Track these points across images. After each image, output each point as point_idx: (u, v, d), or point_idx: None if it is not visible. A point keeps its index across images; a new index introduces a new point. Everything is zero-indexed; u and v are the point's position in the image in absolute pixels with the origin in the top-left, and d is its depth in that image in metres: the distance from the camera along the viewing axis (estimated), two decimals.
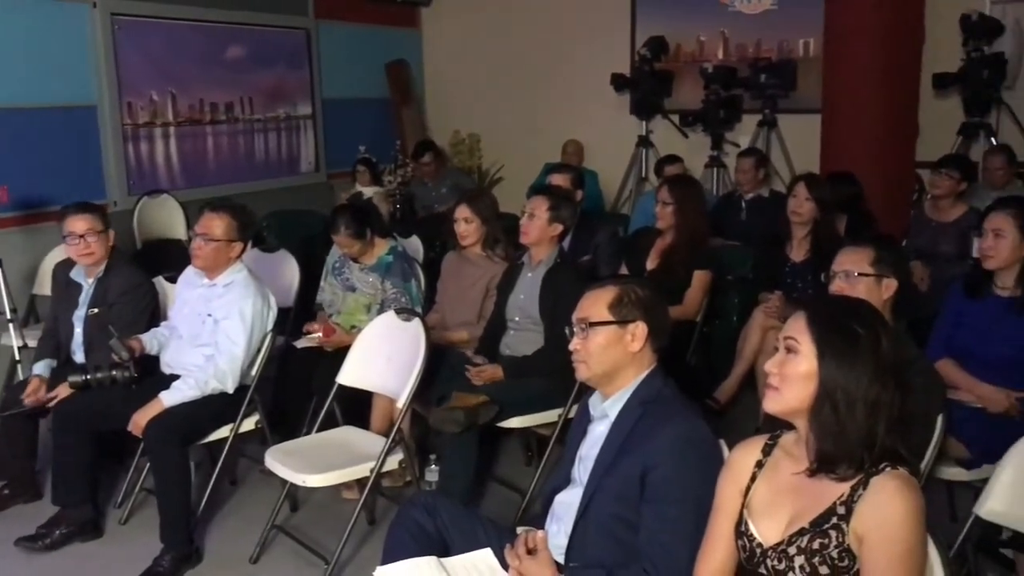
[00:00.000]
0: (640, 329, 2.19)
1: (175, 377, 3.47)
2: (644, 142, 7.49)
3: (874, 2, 5.95)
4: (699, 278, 4.21)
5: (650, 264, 4.32)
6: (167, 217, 5.79)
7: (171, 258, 4.92)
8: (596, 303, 2.22)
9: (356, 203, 5.62)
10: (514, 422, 3.56)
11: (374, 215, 4.66)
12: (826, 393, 1.68)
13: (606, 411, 2.23)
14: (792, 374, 1.72)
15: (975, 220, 4.81)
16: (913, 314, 3.47)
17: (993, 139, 6.22)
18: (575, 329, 2.24)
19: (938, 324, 3.30)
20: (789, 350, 1.73)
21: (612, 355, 2.19)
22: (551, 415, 3.56)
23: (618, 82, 7.43)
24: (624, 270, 4.40)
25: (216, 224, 3.49)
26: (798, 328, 1.73)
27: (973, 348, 3.17)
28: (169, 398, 3.35)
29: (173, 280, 3.94)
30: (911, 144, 6.27)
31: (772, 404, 1.75)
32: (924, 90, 6.39)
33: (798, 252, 4.34)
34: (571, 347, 2.24)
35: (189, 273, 3.69)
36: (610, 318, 2.19)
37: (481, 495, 3.83)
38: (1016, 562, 2.73)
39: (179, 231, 5.69)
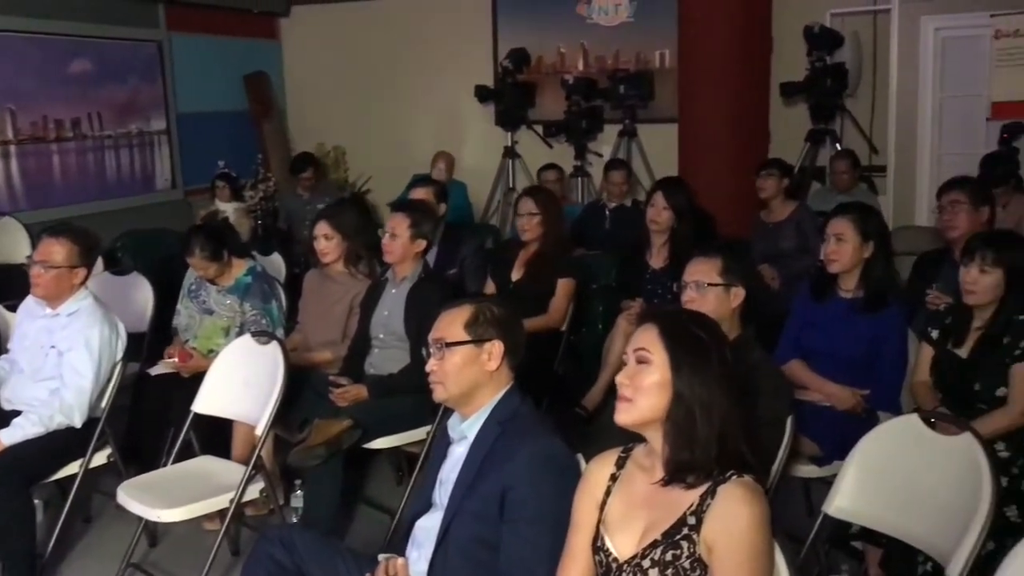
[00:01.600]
0: (497, 347, 2.18)
1: (16, 413, 3.26)
2: (510, 152, 7.55)
3: (724, 14, 6.20)
4: (563, 286, 4.25)
5: (515, 275, 4.33)
6: (9, 241, 5.46)
7: (14, 285, 4.64)
8: (452, 323, 2.20)
9: (211, 223, 5.43)
10: (381, 443, 3.50)
11: (230, 235, 4.51)
12: (681, 402, 1.72)
13: (464, 432, 2.21)
14: (645, 385, 1.74)
15: (807, 215, 5.10)
16: (769, 315, 3.61)
17: (838, 144, 6.53)
18: (431, 350, 2.21)
19: (787, 327, 3.43)
20: (641, 361, 1.76)
21: (469, 375, 2.17)
22: (419, 433, 3.52)
23: (482, 93, 7.47)
24: (491, 282, 4.40)
25: (56, 250, 3.30)
26: (649, 339, 1.76)
27: (820, 349, 3.30)
28: (9, 436, 3.14)
29: (13, 309, 3.71)
30: (764, 151, 6.54)
31: (625, 415, 1.77)
32: (773, 99, 6.69)
33: (657, 259, 4.43)
34: (427, 368, 2.22)
35: (29, 303, 3.48)
36: (466, 337, 2.18)
37: (350, 519, 3.75)
38: (865, 552, 2.85)
39: (22, 255, 5.38)
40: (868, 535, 2.70)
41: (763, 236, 5.22)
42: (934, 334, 3.05)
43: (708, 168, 6.18)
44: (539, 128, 7.47)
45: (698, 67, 6.39)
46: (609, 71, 7.36)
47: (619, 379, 1.78)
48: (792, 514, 3.27)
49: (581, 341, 4.62)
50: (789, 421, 2.64)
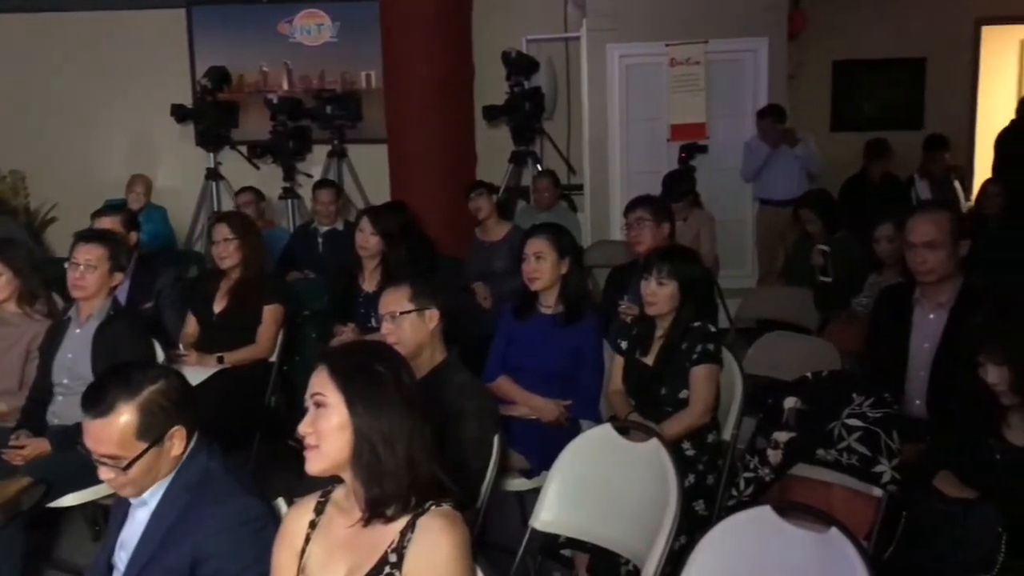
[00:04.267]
0: (178, 432, 1.97)
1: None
2: (213, 175, 7.21)
3: (424, 38, 6.30)
4: (270, 313, 4.10)
5: (218, 307, 4.11)
6: None
7: None
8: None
9: None
10: (70, 499, 3.17)
11: None
12: (363, 439, 1.68)
13: (145, 500, 2.01)
14: (326, 429, 1.69)
15: (519, 236, 5.30)
16: (484, 332, 3.68)
17: (539, 165, 6.84)
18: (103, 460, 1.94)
19: (494, 345, 3.51)
20: (319, 405, 1.70)
21: (157, 472, 1.97)
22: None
23: (179, 113, 7.08)
24: (191, 316, 4.15)
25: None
26: (321, 382, 1.71)
27: (526, 364, 3.41)
28: None
29: None
30: (471, 171, 6.72)
31: (314, 464, 1.71)
32: (478, 121, 6.90)
33: (370, 283, 4.39)
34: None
35: None
36: (143, 446, 1.91)
37: None
38: (574, 559, 2.96)
39: None
40: (575, 542, 2.80)
41: (479, 254, 5.35)
42: (623, 344, 3.25)
43: (419, 189, 6.25)
44: (243, 149, 7.20)
45: (403, 89, 6.45)
46: (315, 91, 7.25)
47: (302, 429, 1.72)
48: (508, 527, 3.34)
49: (294, 370, 4.47)
50: (496, 439, 2.68)
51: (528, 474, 3.20)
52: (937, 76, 7.74)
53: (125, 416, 1.90)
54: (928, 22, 7.57)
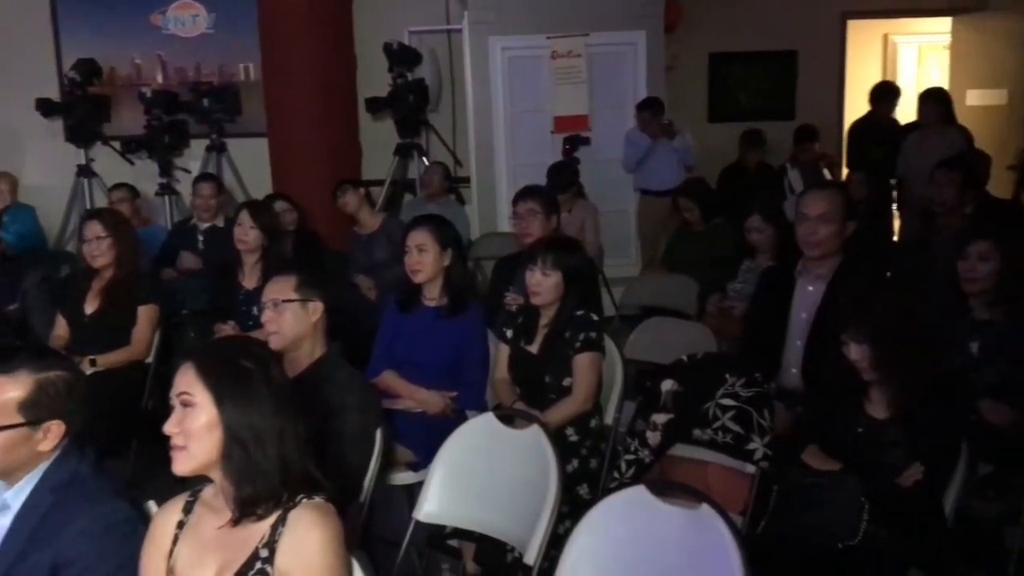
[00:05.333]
0: (56, 427, 1.90)
1: None
2: (85, 171, 6.91)
3: (304, 29, 6.20)
4: (145, 313, 3.97)
5: (90, 307, 3.95)
6: None
7: None
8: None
9: None
10: None
11: None
12: (233, 438, 1.65)
13: (8, 502, 1.92)
14: (194, 428, 1.66)
15: (395, 225, 5.29)
16: (371, 326, 3.64)
17: (425, 158, 6.81)
18: None
19: (378, 339, 3.48)
20: (186, 404, 1.67)
21: (15, 456, 1.88)
22: None
23: (45, 107, 6.76)
24: (61, 318, 3.97)
25: None
26: (188, 381, 1.68)
27: (410, 357, 3.39)
28: None
29: None
30: (355, 164, 6.65)
31: (182, 465, 1.67)
32: (362, 114, 6.83)
33: (250, 279, 4.30)
34: None
35: None
36: (19, 420, 1.86)
37: None
38: (462, 549, 2.98)
39: None
40: (462, 532, 2.82)
41: (359, 248, 5.30)
42: (509, 333, 3.28)
43: (302, 182, 6.13)
44: (116, 144, 6.93)
45: (283, 81, 6.34)
46: (191, 84, 7.03)
47: (168, 428, 1.68)
48: (397, 521, 3.32)
49: (172, 371, 4.32)
50: (378, 433, 2.67)
51: (415, 467, 3.19)
52: (807, 68, 8.04)
53: (20, 383, 1.86)
54: (798, 16, 7.85)
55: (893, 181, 6.45)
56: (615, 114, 6.51)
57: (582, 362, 3.07)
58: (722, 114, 8.01)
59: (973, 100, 7.57)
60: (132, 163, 6.91)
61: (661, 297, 4.61)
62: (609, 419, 3.24)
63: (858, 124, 7.18)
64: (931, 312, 2.76)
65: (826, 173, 6.94)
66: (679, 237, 5.24)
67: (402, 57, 6.62)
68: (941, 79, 8.12)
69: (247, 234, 4.23)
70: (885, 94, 7.11)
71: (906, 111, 7.25)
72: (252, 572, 1.65)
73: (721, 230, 4.99)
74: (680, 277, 4.67)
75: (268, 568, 1.64)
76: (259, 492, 1.66)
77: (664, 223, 5.92)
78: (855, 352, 2.50)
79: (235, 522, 1.68)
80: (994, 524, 2.97)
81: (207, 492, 1.76)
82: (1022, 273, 3.23)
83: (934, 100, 6.11)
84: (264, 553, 1.65)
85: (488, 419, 2.58)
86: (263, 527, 1.67)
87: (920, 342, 2.52)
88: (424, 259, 3.39)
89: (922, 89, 6.79)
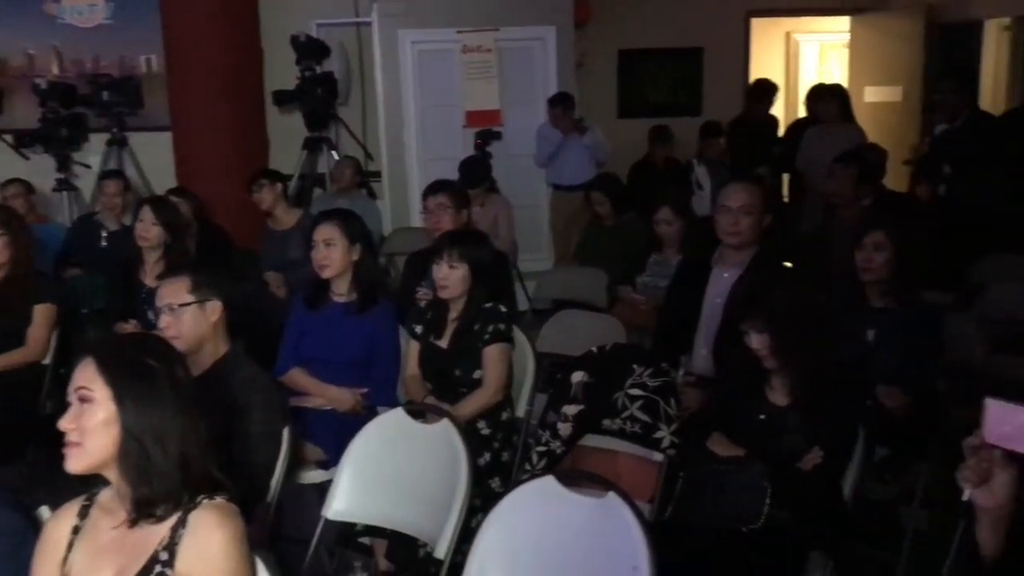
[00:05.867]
0: None
1: None
2: None
3: (208, 18, 6.05)
4: (42, 313, 3.81)
5: None
6: None
7: None
8: None
9: None
10: None
11: None
12: (132, 436, 1.60)
13: None
14: (91, 425, 1.61)
15: (312, 223, 5.20)
16: (279, 324, 3.57)
17: (334, 152, 6.71)
18: None
19: (286, 336, 3.41)
20: (83, 400, 1.62)
21: None
22: None
23: None
24: None
25: None
26: (88, 376, 1.62)
27: (319, 354, 3.34)
28: None
29: None
30: (263, 158, 6.52)
31: (76, 462, 1.62)
32: (269, 107, 6.70)
33: (151, 276, 4.16)
34: None
35: None
36: None
37: None
38: (373, 546, 2.95)
39: None
40: (373, 529, 2.79)
41: (272, 244, 5.19)
42: (418, 329, 3.26)
43: (208, 177, 5.99)
44: (9, 138, 6.65)
45: (186, 74, 6.17)
46: (90, 76, 6.78)
47: (63, 424, 1.62)
48: (308, 520, 3.27)
49: (70, 372, 4.18)
50: (285, 432, 2.62)
51: (325, 465, 3.14)
52: (712, 65, 8.21)
53: None
54: (704, 13, 8.00)
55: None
56: (527, 109, 6.53)
57: (492, 354, 3.08)
58: (631, 110, 8.10)
59: (871, 97, 7.83)
60: (27, 158, 6.65)
61: (573, 290, 4.65)
62: (521, 412, 3.25)
63: (736, 122, 7.28)
64: (829, 301, 2.85)
65: None
66: (591, 231, 5.30)
67: (310, 50, 6.51)
68: (841, 76, 8.37)
69: (149, 231, 4.11)
70: (764, 92, 7.27)
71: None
72: (151, 575, 1.60)
73: (632, 224, 5.05)
74: (591, 270, 4.72)
75: (168, 571, 1.60)
76: (157, 493, 1.61)
77: (576, 217, 5.98)
78: (756, 341, 2.56)
79: (132, 523, 1.62)
80: (891, 505, 3.09)
81: (104, 495, 1.70)
82: (915, 263, 3.38)
83: (832, 97, 6.30)
84: (164, 556, 1.61)
85: (397, 414, 2.57)
86: (162, 529, 1.62)
87: (818, 331, 2.60)
88: (332, 254, 3.34)
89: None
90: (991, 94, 7.15)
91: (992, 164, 5.01)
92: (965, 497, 1.51)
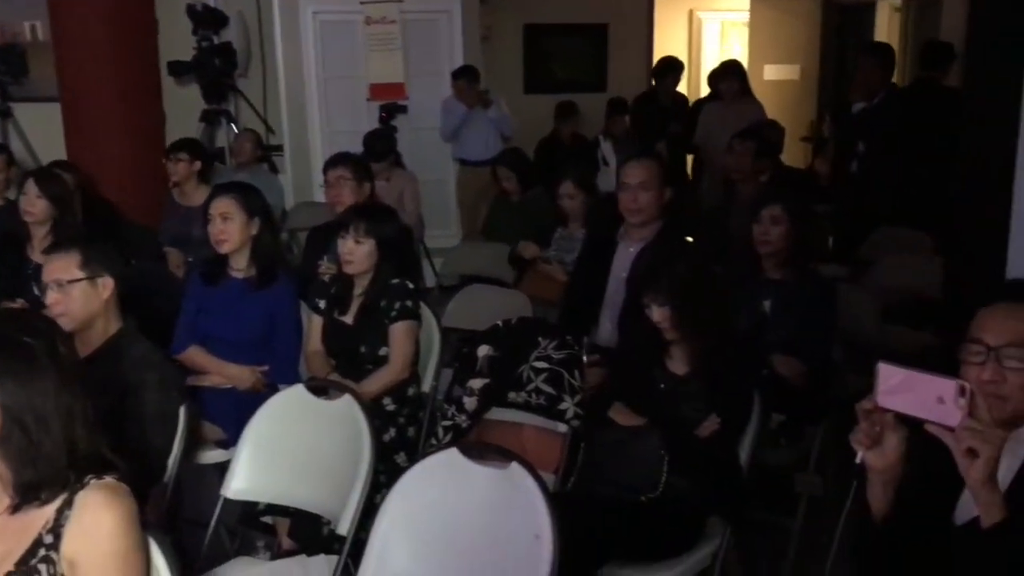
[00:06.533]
0: None
1: None
2: None
3: None
4: None
5: None
6: None
7: None
8: None
9: None
10: None
11: None
12: (13, 418, 1.53)
13: None
14: None
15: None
16: (178, 301, 3.46)
17: (234, 125, 6.53)
18: None
19: (183, 314, 3.31)
20: None
21: None
22: None
23: None
24: None
25: None
26: None
27: (218, 332, 3.25)
28: None
29: None
30: (159, 131, 6.28)
31: None
32: (165, 78, 6.45)
33: (39, 252, 4.00)
34: None
35: None
36: None
37: None
38: (276, 525, 2.90)
39: None
40: (276, 508, 2.74)
41: (175, 219, 5.00)
42: (322, 304, 3.20)
43: (100, 149, 5.74)
44: None
45: (75, 42, 5.87)
46: None
47: None
48: (208, 502, 3.20)
49: None
50: (182, 411, 2.55)
51: (225, 445, 3.07)
52: (617, 42, 8.28)
53: None
54: None
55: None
56: (432, 82, 6.48)
57: (398, 331, 3.05)
58: (537, 85, 8.12)
59: (770, 75, 8.04)
60: None
61: (480, 266, 4.65)
62: (427, 387, 3.24)
63: (641, 98, 7.36)
64: (727, 273, 2.91)
65: None
66: (497, 206, 5.29)
67: (207, 19, 6.29)
68: (742, 54, 8.55)
69: (34, 205, 3.93)
70: (670, 69, 7.36)
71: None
72: (35, 560, 1.54)
73: (539, 200, 5.05)
74: (497, 245, 4.71)
75: (53, 555, 1.54)
76: (42, 476, 1.54)
77: (484, 193, 5.96)
78: (657, 314, 2.60)
79: (14, 509, 1.55)
80: (786, 471, 3.19)
81: None
82: (810, 236, 3.48)
83: (732, 74, 6.42)
84: (48, 539, 1.54)
85: (298, 391, 2.52)
86: (47, 512, 1.56)
87: (717, 302, 2.66)
88: (229, 228, 3.24)
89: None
90: None
91: (907, 141, 4.95)
92: (858, 460, 1.56)
